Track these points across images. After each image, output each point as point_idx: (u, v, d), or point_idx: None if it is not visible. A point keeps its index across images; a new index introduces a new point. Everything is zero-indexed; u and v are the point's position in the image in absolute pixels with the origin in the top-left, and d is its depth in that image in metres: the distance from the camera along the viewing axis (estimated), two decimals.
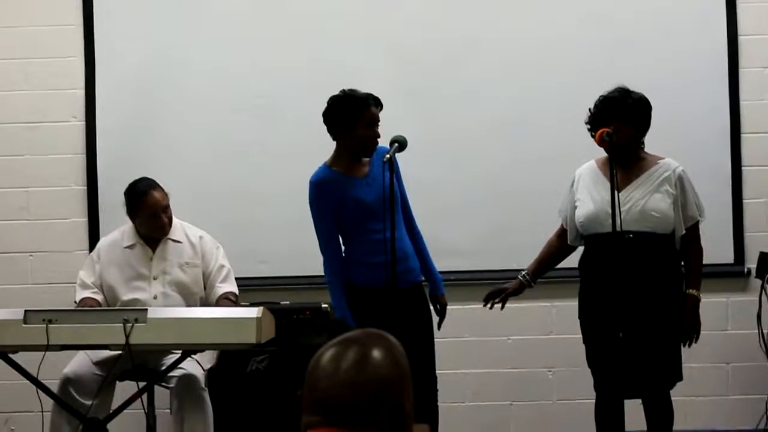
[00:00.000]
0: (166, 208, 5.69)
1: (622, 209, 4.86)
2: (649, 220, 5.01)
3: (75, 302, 5.69)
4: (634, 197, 5.03)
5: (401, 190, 5.29)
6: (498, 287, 5.40)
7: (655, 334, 4.98)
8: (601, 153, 5.11)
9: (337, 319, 5.02)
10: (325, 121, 5.17)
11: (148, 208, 5.65)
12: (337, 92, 5.18)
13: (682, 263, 5.13)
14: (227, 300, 5.65)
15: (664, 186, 5.07)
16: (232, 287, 5.75)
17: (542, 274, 5.42)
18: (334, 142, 5.21)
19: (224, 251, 5.82)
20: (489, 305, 5.37)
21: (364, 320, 4.95)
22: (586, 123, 5.17)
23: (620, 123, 5.02)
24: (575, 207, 5.18)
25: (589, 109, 5.16)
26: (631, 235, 4.94)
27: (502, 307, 5.39)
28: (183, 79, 6.57)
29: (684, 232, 5.08)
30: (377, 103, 5.15)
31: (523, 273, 5.38)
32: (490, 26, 6.47)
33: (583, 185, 5.19)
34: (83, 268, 5.80)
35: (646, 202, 5.03)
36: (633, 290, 4.87)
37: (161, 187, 5.69)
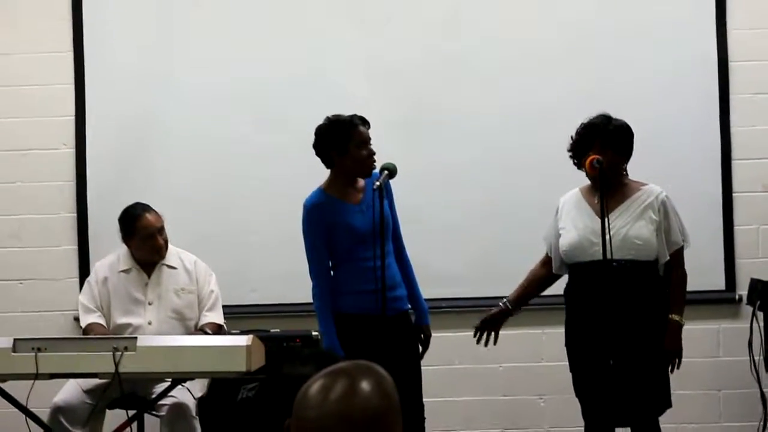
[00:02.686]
0: (161, 230, 5.69)
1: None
2: (631, 248, 4.97)
3: (81, 328, 5.70)
4: (616, 225, 4.98)
5: (393, 216, 5.27)
6: (485, 319, 5.31)
7: (641, 361, 4.95)
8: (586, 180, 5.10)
9: (323, 349, 4.98)
10: (318, 152, 5.15)
11: (143, 229, 5.64)
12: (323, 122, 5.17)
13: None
14: (201, 332, 5.62)
15: (647, 213, 5.04)
16: (216, 317, 5.74)
17: (524, 303, 5.35)
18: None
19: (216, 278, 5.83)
20: (484, 341, 5.30)
21: (352, 348, 4.94)
22: (569, 151, 5.15)
23: (601, 148, 5.00)
24: (559, 235, 5.16)
25: (572, 137, 5.15)
26: (615, 264, 4.91)
27: (495, 342, 5.32)
28: (173, 107, 6.56)
29: (668, 258, 5.04)
30: (364, 122, 5.13)
31: (505, 300, 5.32)
32: (479, 52, 6.48)
33: (566, 213, 5.16)
34: (83, 293, 5.79)
35: (629, 230, 5.00)
36: (618, 318, 4.84)
37: (155, 210, 5.71)
